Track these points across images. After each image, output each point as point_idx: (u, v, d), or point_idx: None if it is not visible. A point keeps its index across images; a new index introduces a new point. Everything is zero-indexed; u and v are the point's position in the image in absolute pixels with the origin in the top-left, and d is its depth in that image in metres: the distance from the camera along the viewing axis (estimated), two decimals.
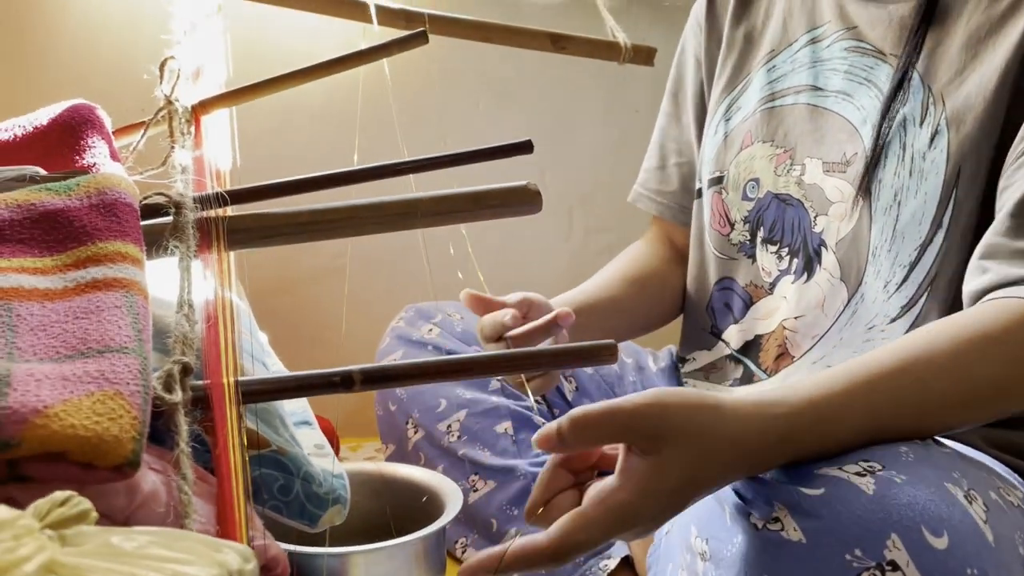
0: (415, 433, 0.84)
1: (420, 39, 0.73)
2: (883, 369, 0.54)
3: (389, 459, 0.88)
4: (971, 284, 0.63)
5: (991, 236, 0.63)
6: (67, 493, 0.32)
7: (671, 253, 0.98)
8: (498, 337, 0.70)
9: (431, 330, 0.89)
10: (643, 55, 1.17)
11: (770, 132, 0.82)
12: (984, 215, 0.67)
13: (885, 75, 0.74)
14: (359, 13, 1.00)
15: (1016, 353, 0.56)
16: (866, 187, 0.72)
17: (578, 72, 1.28)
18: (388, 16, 1.01)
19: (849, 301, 0.75)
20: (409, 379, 0.51)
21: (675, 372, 0.94)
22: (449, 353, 0.87)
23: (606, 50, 1.16)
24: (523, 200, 0.62)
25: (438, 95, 1.14)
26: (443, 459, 0.84)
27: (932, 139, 0.69)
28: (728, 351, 0.86)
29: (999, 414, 0.58)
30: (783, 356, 0.80)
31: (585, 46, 1.13)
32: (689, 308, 0.92)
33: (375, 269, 1.28)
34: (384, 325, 0.97)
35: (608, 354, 0.54)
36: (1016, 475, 0.65)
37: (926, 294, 0.70)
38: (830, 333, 0.76)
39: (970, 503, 0.49)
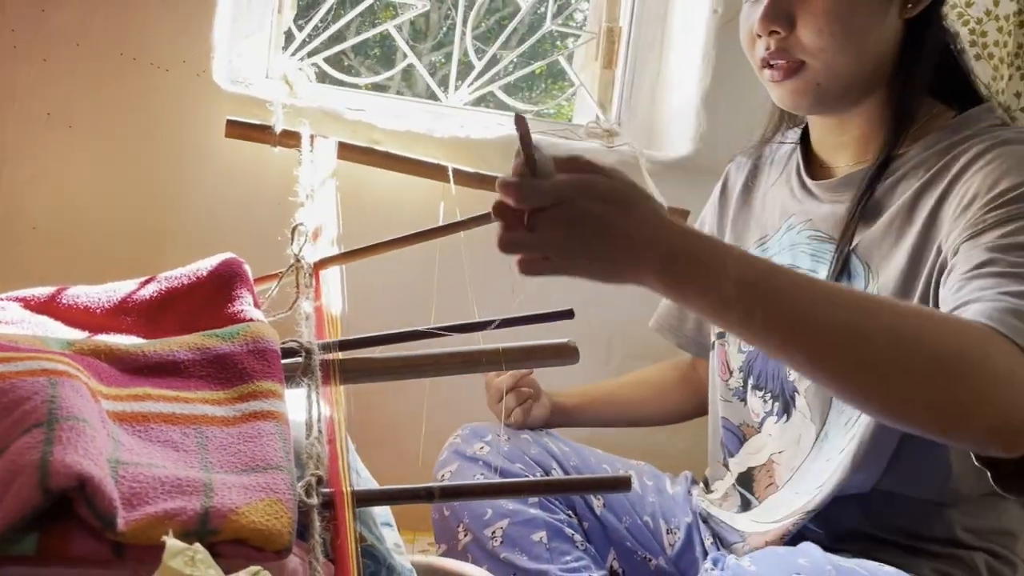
0: (465, 536, 0.99)
1: (488, 218, 0.91)
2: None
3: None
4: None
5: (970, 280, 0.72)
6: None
7: (680, 373, 1.19)
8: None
9: (482, 448, 1.05)
10: (677, 215, 1.36)
11: None
12: None
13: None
14: (440, 174, 1.21)
15: (940, 337, 0.63)
16: None
17: None
18: (464, 177, 1.21)
19: (816, 438, 0.90)
20: (475, 495, 0.66)
21: (689, 496, 1.08)
22: (497, 468, 1.03)
23: None
24: (563, 355, 0.80)
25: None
26: (487, 560, 0.99)
27: None
28: (731, 482, 1.01)
29: (882, 381, 0.64)
30: (771, 485, 0.96)
31: None
32: (710, 442, 1.07)
33: (437, 387, 1.44)
34: (443, 437, 1.12)
35: (624, 485, 0.70)
36: None
37: (868, 423, 0.85)
38: (803, 465, 0.92)
39: None
